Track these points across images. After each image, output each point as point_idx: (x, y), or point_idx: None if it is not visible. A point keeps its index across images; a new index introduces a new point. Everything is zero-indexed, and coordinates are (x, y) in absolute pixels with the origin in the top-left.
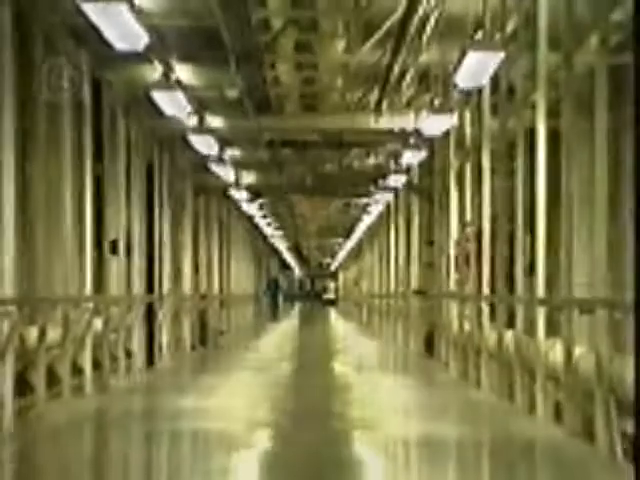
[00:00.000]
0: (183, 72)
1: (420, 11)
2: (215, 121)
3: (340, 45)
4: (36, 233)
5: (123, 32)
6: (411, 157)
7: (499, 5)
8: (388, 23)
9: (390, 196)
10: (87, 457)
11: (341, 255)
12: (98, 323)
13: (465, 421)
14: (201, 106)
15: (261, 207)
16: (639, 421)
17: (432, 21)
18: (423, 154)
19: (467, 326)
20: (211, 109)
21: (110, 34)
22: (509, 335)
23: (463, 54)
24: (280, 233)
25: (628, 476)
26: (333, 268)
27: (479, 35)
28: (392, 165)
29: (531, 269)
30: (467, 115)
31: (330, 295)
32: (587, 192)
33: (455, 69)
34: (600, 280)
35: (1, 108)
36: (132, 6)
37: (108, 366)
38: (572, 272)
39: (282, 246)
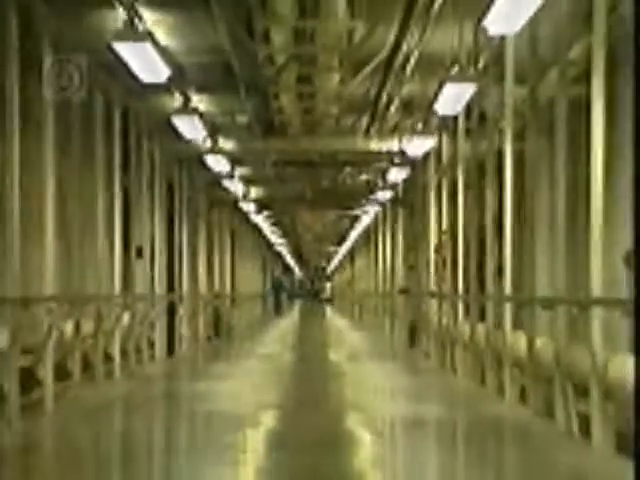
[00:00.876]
0: (200, 101)
1: (404, 49)
2: (227, 143)
3: (335, 78)
4: (73, 239)
5: (148, 67)
6: (396, 174)
7: (472, 44)
8: (376, 59)
9: (378, 208)
10: (119, 431)
11: (336, 259)
12: (126, 318)
13: (443, 402)
14: (215, 130)
15: (267, 217)
16: (639, 420)
17: (414, 57)
18: (407, 172)
19: (445, 320)
20: (224, 133)
21: (137, 68)
22: (481, 328)
23: (441, 85)
24: (283, 240)
25: (582, 448)
26: (329, 271)
27: (455, 69)
28: (380, 181)
29: (499, 271)
30: (444, 138)
31: (326, 294)
32: (548, 205)
33: (434, 98)
34: (559, 280)
35: (44, 135)
36: (156, 44)
37: (134, 355)
38: (535, 273)
39: (285, 251)
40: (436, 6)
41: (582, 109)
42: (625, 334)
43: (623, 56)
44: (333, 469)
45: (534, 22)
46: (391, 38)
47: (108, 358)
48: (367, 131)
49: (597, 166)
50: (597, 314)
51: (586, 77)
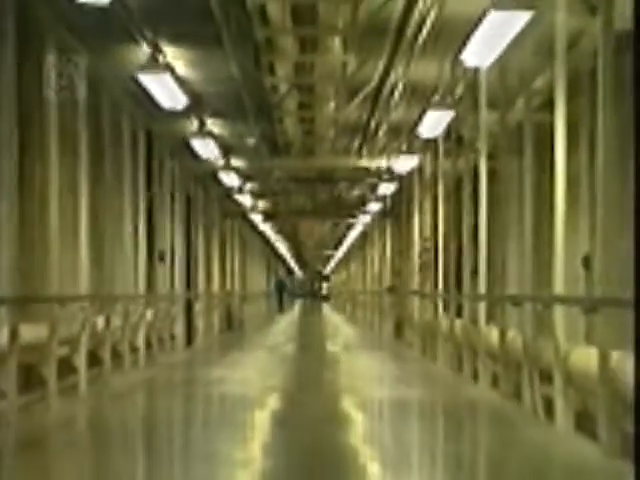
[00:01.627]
0: (214, 125)
1: (391, 79)
2: (238, 162)
3: (331, 105)
4: (103, 246)
5: (169, 95)
6: (385, 189)
7: (450, 75)
8: (367, 88)
9: (369, 218)
10: (145, 409)
11: (332, 262)
12: (149, 314)
13: (424, 386)
14: (227, 150)
15: (272, 226)
16: (639, 420)
17: (400, 87)
18: (394, 186)
19: (426, 316)
20: (235, 152)
21: (159, 96)
22: (458, 323)
23: (423, 111)
24: (286, 245)
25: (546, 427)
26: (326, 272)
27: (435, 97)
28: (370, 195)
29: (475, 272)
30: (427, 157)
31: (324, 293)
32: (517, 214)
33: (417, 122)
34: (527, 280)
35: (78, 155)
36: (175, 76)
37: (157, 345)
38: (506, 275)
39: (287, 255)
40: (419, 42)
41: (546, 132)
42: (583, 328)
43: (582, 86)
44: (330, 439)
45: (504, 56)
46: (380, 70)
47: (134, 349)
48: (359, 151)
49: (560, 181)
50: (559, 310)
51: (550, 104)
